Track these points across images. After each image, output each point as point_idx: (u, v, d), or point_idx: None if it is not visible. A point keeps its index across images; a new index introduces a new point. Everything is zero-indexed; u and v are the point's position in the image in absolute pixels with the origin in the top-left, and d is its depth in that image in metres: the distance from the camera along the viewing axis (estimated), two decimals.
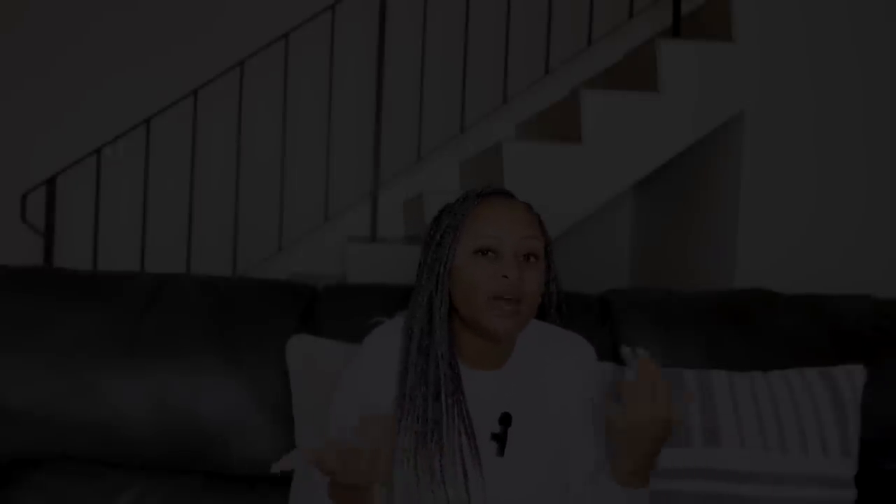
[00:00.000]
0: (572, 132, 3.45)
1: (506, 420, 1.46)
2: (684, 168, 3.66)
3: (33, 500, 1.67)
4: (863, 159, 3.33)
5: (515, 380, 1.50)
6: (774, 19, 3.30)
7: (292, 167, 3.92)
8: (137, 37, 4.01)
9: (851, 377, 1.72)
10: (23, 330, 1.71)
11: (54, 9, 3.99)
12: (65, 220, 3.80)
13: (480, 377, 1.49)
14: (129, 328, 1.72)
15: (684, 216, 3.76)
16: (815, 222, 3.31)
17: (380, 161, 3.55)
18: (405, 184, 3.98)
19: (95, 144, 3.61)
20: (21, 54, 3.99)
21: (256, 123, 3.91)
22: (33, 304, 1.74)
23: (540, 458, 1.46)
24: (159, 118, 3.61)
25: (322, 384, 1.60)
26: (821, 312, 1.88)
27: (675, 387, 1.69)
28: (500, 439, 1.45)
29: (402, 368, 1.46)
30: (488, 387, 1.49)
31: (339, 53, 3.78)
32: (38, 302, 1.75)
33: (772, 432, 1.65)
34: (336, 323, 1.76)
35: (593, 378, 1.55)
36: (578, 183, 3.32)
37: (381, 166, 3.59)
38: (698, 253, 3.61)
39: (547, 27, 3.72)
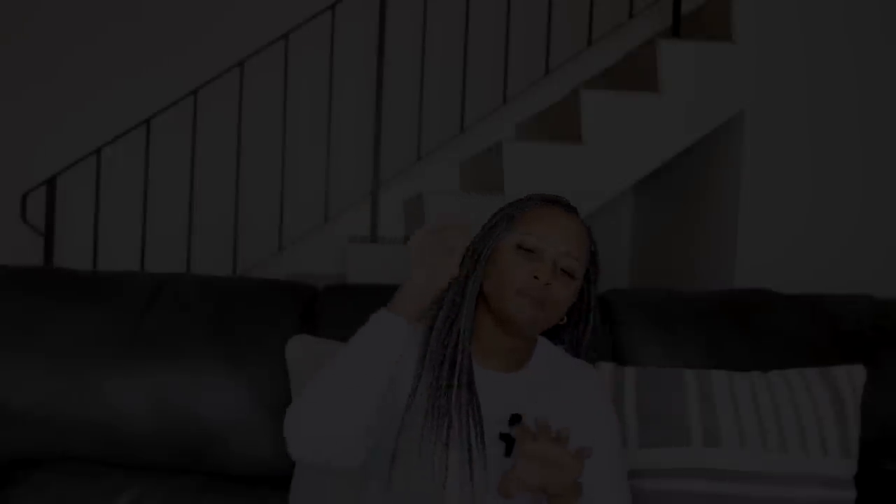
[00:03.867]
0: (572, 132, 3.45)
1: (516, 421, 1.45)
2: (684, 168, 3.67)
3: (33, 500, 1.67)
4: (862, 159, 3.33)
5: (530, 385, 1.51)
6: (774, 20, 3.30)
7: (292, 167, 3.92)
8: (137, 37, 4.01)
9: (851, 377, 1.72)
10: (23, 330, 1.71)
11: (55, 10, 3.99)
12: (65, 220, 3.80)
13: (495, 377, 1.50)
14: (129, 328, 1.72)
15: (684, 216, 3.76)
16: (815, 222, 3.31)
17: (380, 161, 3.55)
18: (405, 184, 3.98)
19: (95, 144, 3.61)
20: (22, 55, 3.99)
21: (256, 123, 3.91)
22: (33, 304, 1.74)
23: None
24: (159, 118, 3.61)
25: None
26: (821, 312, 1.88)
27: (675, 388, 1.70)
28: (509, 440, 1.44)
29: (426, 334, 1.48)
30: (502, 387, 1.49)
31: (339, 53, 3.78)
32: (38, 302, 1.74)
33: (772, 432, 1.65)
34: (336, 323, 1.76)
35: (607, 402, 1.58)
36: (578, 183, 3.32)
37: (381, 166, 3.59)
38: (698, 253, 3.61)
39: (547, 27, 3.72)
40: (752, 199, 3.29)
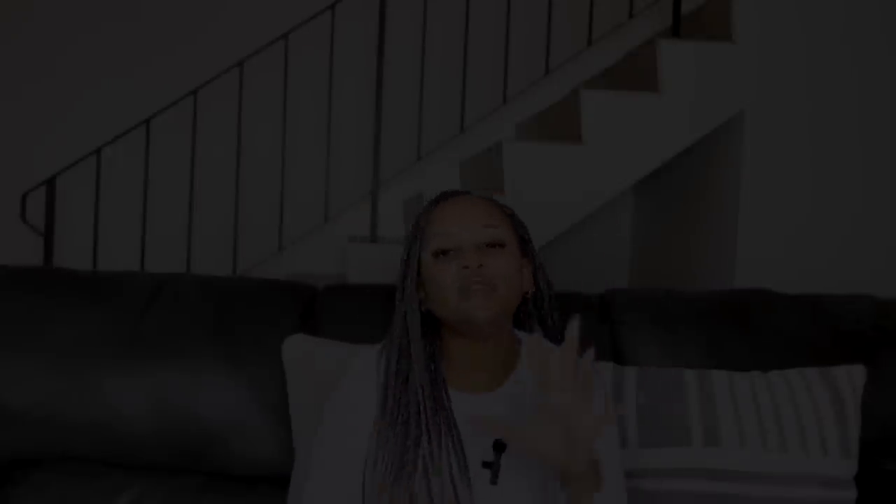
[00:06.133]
0: (572, 132, 3.45)
1: (500, 447, 1.39)
2: (684, 168, 3.66)
3: (33, 500, 1.67)
4: (862, 159, 3.33)
5: (513, 403, 1.44)
6: (774, 20, 3.30)
7: (292, 167, 3.92)
8: (137, 37, 4.01)
9: (851, 377, 1.72)
10: (23, 330, 1.71)
11: (54, 9, 3.99)
12: (65, 220, 3.80)
13: (473, 401, 1.44)
14: (129, 328, 1.72)
15: (684, 216, 3.76)
16: (816, 222, 3.31)
17: (380, 161, 3.55)
18: (405, 184, 3.98)
19: (95, 144, 3.61)
20: (21, 55, 3.99)
21: (256, 123, 3.91)
22: (33, 304, 1.74)
23: (537, 487, 1.40)
24: (159, 118, 3.61)
25: (320, 384, 1.60)
26: (821, 312, 1.87)
27: (675, 388, 1.69)
28: (493, 467, 1.39)
29: (381, 395, 1.43)
30: (484, 410, 1.42)
31: (339, 53, 3.78)
32: (38, 302, 1.74)
33: (772, 432, 1.65)
34: (336, 323, 1.76)
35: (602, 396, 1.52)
36: (578, 183, 3.32)
37: (381, 166, 3.59)
38: (698, 253, 3.61)
39: (547, 27, 3.72)
40: (752, 199, 3.29)
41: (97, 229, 3.65)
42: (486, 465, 1.39)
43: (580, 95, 3.39)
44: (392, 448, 1.38)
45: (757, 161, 3.29)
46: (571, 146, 3.36)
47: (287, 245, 3.84)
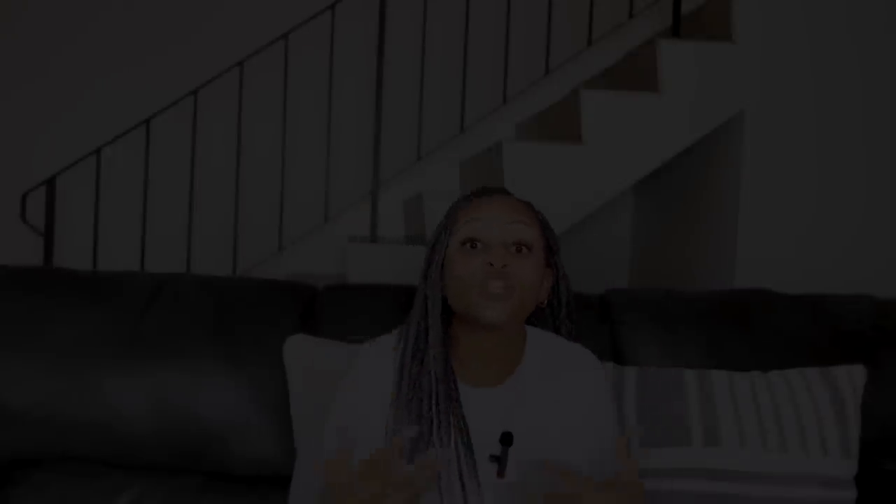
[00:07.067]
0: (572, 132, 3.45)
1: (506, 439, 1.40)
2: (684, 168, 3.67)
3: (33, 500, 1.67)
4: (863, 159, 3.33)
5: (522, 392, 1.46)
6: (775, 19, 3.30)
7: (292, 167, 3.92)
8: (137, 36, 4.01)
9: (851, 377, 1.72)
10: (23, 330, 1.71)
11: (54, 8, 3.99)
12: (65, 220, 3.80)
13: (482, 394, 1.45)
14: (129, 328, 1.72)
15: (684, 216, 3.76)
16: (816, 222, 3.31)
17: (380, 161, 3.55)
18: (405, 184, 3.98)
19: (95, 144, 3.61)
20: (20, 54, 3.99)
21: (256, 123, 3.91)
22: (33, 304, 1.74)
23: (543, 482, 1.39)
24: (159, 118, 3.61)
25: (320, 384, 1.60)
26: (821, 312, 1.87)
27: (675, 388, 1.70)
28: (500, 460, 1.39)
29: (398, 375, 1.44)
30: (490, 404, 1.44)
31: (339, 53, 3.78)
32: (38, 302, 1.75)
33: (772, 432, 1.65)
34: (336, 323, 1.76)
35: (606, 398, 1.54)
36: (578, 183, 3.32)
37: (381, 166, 3.59)
38: (698, 253, 3.61)
39: (547, 27, 3.72)
40: (752, 199, 3.29)
41: (97, 229, 3.65)
42: (493, 458, 1.40)
43: (580, 95, 3.38)
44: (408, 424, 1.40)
45: (757, 161, 3.29)
46: (571, 146, 3.36)
47: (287, 245, 3.84)
